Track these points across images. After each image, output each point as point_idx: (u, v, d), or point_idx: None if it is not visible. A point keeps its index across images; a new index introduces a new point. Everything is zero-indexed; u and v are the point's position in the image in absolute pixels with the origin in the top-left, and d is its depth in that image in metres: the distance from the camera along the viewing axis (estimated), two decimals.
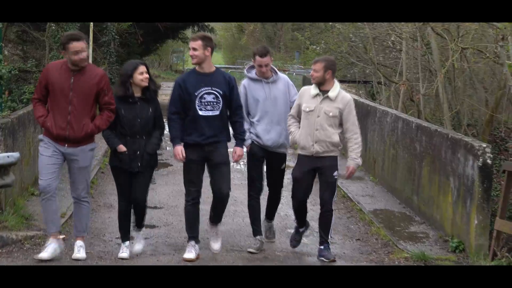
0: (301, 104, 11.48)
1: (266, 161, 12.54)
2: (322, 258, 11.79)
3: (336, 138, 11.35)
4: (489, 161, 13.15)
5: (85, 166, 11.05)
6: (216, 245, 11.95)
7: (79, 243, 11.51)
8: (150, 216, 10.63)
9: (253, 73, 12.07)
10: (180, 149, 11.15)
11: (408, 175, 16.90)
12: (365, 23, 27.36)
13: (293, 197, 12.13)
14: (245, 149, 12.10)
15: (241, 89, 12.31)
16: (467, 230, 13.38)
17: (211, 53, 11.33)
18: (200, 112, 11.02)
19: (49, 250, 10.99)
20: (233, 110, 11.38)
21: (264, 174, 12.76)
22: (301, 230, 12.64)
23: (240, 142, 11.48)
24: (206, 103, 11.01)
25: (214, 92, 11.01)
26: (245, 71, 12.22)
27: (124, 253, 11.67)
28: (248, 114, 12.41)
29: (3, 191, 13.20)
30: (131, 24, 33.13)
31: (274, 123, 12.11)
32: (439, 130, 16.01)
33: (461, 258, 12.86)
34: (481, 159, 13.09)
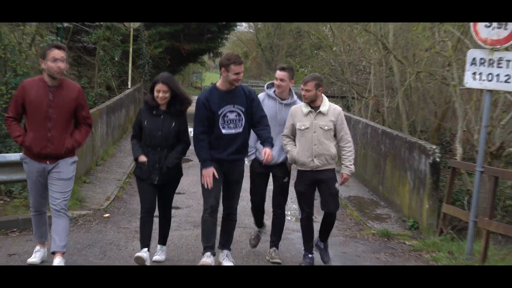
0: (294, 124, 9.65)
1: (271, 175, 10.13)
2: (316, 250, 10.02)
3: (333, 150, 9.60)
4: (437, 159, 13.23)
5: (67, 178, 8.66)
6: (226, 263, 9.32)
7: (58, 260, 8.64)
8: (175, 200, 9.93)
9: (271, 91, 10.03)
10: (211, 171, 8.84)
11: (375, 169, 17.05)
12: (342, 51, 27.37)
13: (303, 211, 9.81)
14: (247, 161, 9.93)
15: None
16: (420, 212, 13.43)
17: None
18: (223, 131, 8.89)
19: (38, 256, 9.04)
20: (257, 120, 9.12)
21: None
22: (310, 255, 9.97)
23: (268, 144, 8.95)
24: (229, 121, 8.90)
25: (236, 110, 8.93)
26: (265, 87, 10.20)
27: (143, 253, 9.05)
28: None
29: None
30: (161, 51, 32.99)
31: (277, 142, 9.76)
32: (399, 134, 16.20)
33: (415, 234, 12.91)
34: (431, 158, 13.17)
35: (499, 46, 10.73)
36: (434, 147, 13.58)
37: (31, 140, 8.40)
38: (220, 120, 8.89)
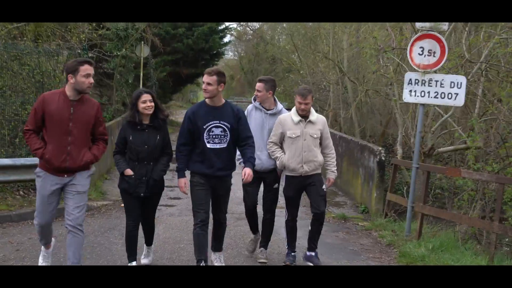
0: (284, 132, 8.56)
1: (262, 182, 8.92)
2: (310, 263, 8.80)
3: (321, 157, 8.62)
4: (383, 158, 13.31)
5: (83, 191, 7.19)
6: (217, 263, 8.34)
7: None
8: (177, 191, 9.58)
9: (258, 103, 8.89)
10: (184, 181, 7.78)
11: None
12: (307, 74, 27.42)
13: (289, 213, 8.81)
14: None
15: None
16: (369, 200, 13.49)
17: (223, 88, 8.12)
18: (208, 145, 7.65)
19: (43, 257, 7.82)
20: (243, 139, 7.88)
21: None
22: (293, 253, 8.98)
23: (249, 164, 7.80)
24: (214, 136, 7.66)
25: (222, 125, 7.70)
26: (252, 99, 9.05)
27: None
28: None
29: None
30: (165, 74, 33.03)
31: (265, 151, 8.72)
32: (353, 139, 16.23)
33: (366, 217, 12.94)
34: (378, 157, 13.25)
35: (429, 70, 10.85)
36: (380, 148, 13.68)
37: (51, 153, 6.95)
38: (205, 134, 7.66)
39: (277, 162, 8.65)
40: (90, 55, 14.98)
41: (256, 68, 56.09)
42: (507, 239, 11.96)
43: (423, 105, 11.43)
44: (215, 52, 37.48)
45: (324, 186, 8.64)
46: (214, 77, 7.82)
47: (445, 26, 11.09)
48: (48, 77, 13.70)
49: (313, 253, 8.78)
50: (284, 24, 36.83)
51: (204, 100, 7.90)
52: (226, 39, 41.92)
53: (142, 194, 7.71)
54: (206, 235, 7.67)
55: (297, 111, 8.59)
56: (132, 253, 7.92)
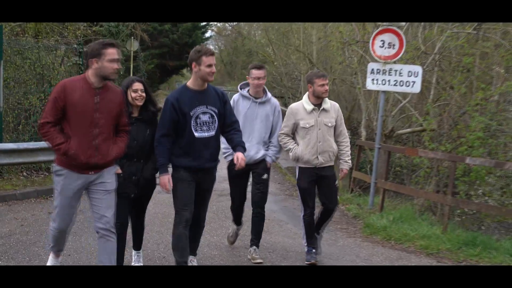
0: (297, 122, 7.28)
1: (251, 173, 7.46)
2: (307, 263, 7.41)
3: (335, 146, 7.38)
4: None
5: (113, 189, 5.70)
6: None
7: None
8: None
9: (245, 91, 7.43)
10: (167, 178, 6.04)
11: None
12: (281, 65, 27.38)
13: (307, 206, 7.48)
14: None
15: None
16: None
17: None
18: (196, 134, 6.04)
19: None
20: (229, 124, 6.35)
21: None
22: (314, 250, 7.55)
23: (240, 148, 6.23)
24: (201, 124, 6.08)
25: (209, 111, 6.12)
26: (238, 87, 7.55)
27: None
28: None
29: None
30: (153, 66, 33.05)
31: (255, 141, 7.29)
32: None
33: None
34: None
35: (389, 61, 10.87)
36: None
37: (77, 148, 5.36)
38: (192, 122, 6.03)
39: (290, 154, 7.38)
40: (85, 49, 14.78)
41: (235, 60, 55.88)
42: (458, 211, 12.04)
43: (384, 92, 11.47)
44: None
45: (336, 181, 7.48)
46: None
47: (403, 22, 11.12)
48: (48, 70, 13.66)
49: (312, 249, 7.46)
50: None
51: (184, 84, 6.26)
52: (207, 34, 41.99)
53: (132, 195, 6.19)
54: (187, 235, 6.21)
55: (319, 95, 7.25)
56: (120, 256, 6.23)
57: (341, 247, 8.55)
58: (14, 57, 13.05)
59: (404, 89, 11.09)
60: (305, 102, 7.33)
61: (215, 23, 44.72)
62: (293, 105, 7.45)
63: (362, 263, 7.75)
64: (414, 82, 10.83)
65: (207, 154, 6.17)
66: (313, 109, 7.26)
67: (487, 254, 8.40)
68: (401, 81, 10.92)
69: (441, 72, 15.32)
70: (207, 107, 6.13)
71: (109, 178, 5.65)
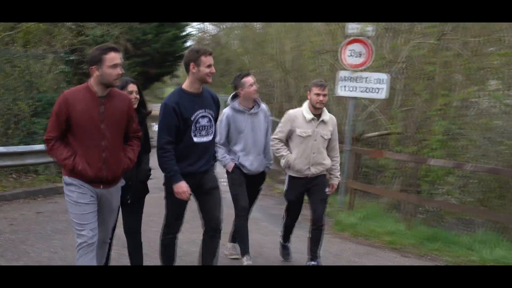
0: (293, 129, 6.72)
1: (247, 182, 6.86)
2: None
3: (328, 160, 6.77)
4: None
5: (117, 206, 5.20)
6: None
7: None
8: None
9: (236, 104, 6.72)
10: (185, 185, 5.29)
11: None
12: (256, 73, 27.48)
13: (289, 217, 7.11)
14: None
15: (222, 119, 6.70)
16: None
17: None
18: (195, 139, 5.38)
19: None
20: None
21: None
22: (287, 244, 7.32)
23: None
24: (200, 128, 5.41)
25: (207, 115, 5.46)
26: (228, 100, 6.80)
27: None
28: (228, 142, 6.85)
29: None
30: (136, 73, 32.92)
31: (256, 153, 6.81)
32: None
33: None
34: None
35: (358, 69, 11.02)
36: None
37: (84, 163, 4.74)
38: (192, 126, 5.34)
39: (282, 161, 6.88)
40: (71, 58, 14.75)
41: (215, 67, 55.87)
42: (421, 208, 12.22)
43: (353, 98, 11.60)
44: (178, 55, 37.85)
45: (327, 189, 6.81)
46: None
47: (370, 32, 11.26)
48: (36, 77, 13.65)
49: (315, 263, 6.73)
50: (236, 31, 36.72)
51: (180, 87, 5.52)
52: (188, 43, 42.05)
53: (129, 201, 5.47)
54: (175, 245, 5.74)
55: (313, 105, 6.68)
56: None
57: None
58: (3, 65, 13.02)
59: (371, 95, 11.26)
60: (305, 111, 6.73)
61: (195, 33, 44.59)
62: (292, 112, 6.90)
63: (332, 257, 7.85)
64: (381, 88, 11.00)
65: (203, 159, 5.49)
66: (313, 119, 6.67)
67: (447, 248, 8.57)
68: (369, 88, 11.08)
69: (406, 79, 15.52)
70: (205, 111, 5.44)
71: (115, 195, 5.04)
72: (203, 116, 5.39)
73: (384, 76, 11.12)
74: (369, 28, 11.20)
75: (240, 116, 6.70)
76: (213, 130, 5.53)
